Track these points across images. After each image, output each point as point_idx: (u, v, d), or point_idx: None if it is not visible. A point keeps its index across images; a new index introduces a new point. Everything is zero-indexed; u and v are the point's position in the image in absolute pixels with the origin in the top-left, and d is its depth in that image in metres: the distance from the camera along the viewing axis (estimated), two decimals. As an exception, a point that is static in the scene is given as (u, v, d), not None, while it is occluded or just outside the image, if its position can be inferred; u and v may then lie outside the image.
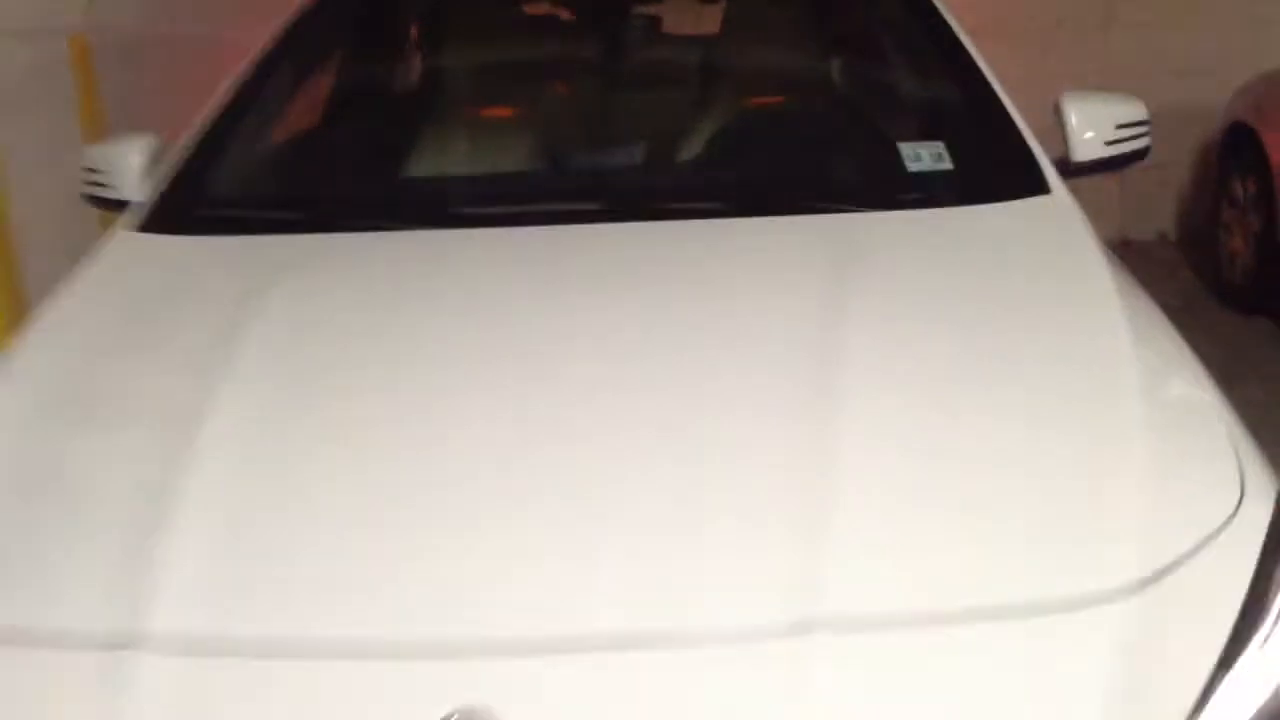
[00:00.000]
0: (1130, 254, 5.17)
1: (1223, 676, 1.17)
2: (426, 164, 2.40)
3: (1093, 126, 2.30)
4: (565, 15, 2.91)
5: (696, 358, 1.55)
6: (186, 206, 2.16)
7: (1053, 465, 1.36)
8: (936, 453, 1.37)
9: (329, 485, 1.37)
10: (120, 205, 2.36)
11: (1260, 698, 1.17)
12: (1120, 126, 2.31)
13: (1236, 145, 4.83)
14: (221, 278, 1.89)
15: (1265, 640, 1.20)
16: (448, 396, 1.51)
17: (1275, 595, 1.24)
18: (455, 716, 1.06)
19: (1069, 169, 2.23)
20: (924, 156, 2.13)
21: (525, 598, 1.20)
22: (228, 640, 1.19)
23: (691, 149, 2.35)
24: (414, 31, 2.96)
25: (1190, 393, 1.53)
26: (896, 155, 2.11)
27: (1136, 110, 2.33)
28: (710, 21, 2.94)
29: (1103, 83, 5.25)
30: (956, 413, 1.44)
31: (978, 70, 2.30)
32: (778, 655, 1.12)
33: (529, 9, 2.97)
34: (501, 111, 2.67)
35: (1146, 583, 1.21)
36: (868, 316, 1.60)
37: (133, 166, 2.37)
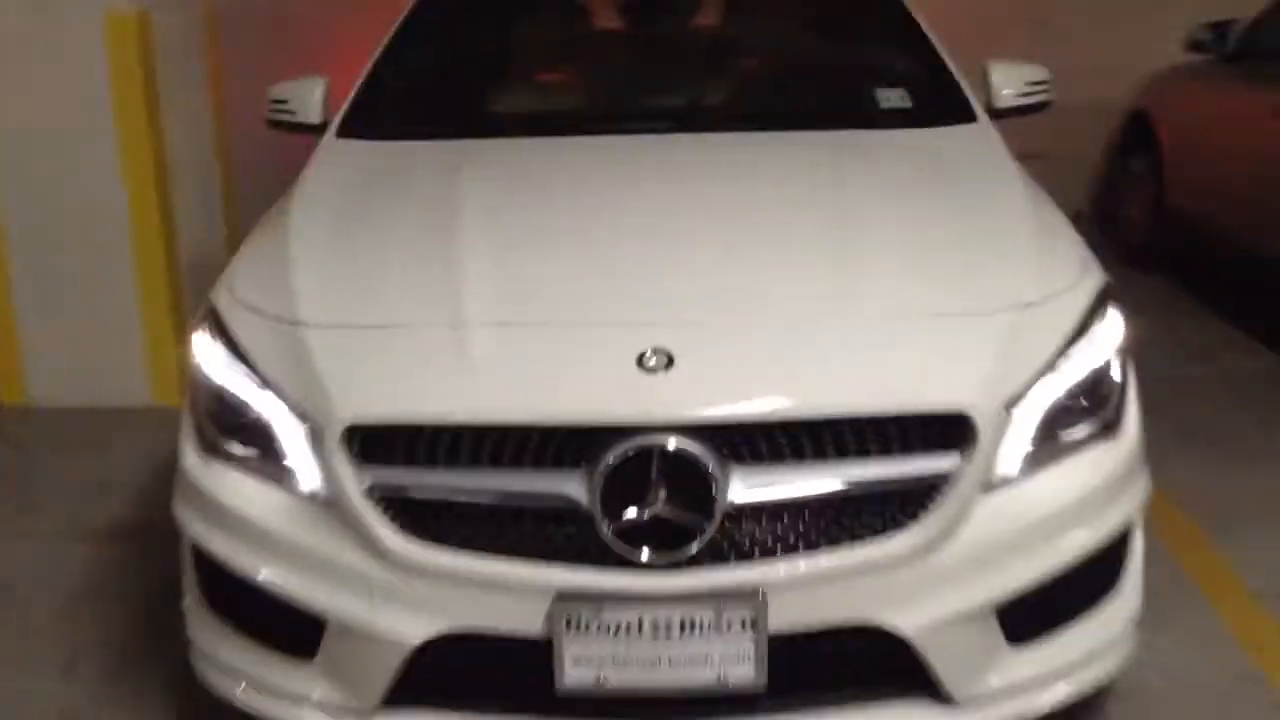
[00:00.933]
0: None
1: (1063, 354, 2.12)
2: (540, 98, 3.35)
3: (1009, 84, 3.27)
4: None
5: (756, 182, 2.66)
6: (373, 121, 3.07)
7: (972, 244, 2.34)
8: (898, 231, 2.38)
9: (547, 236, 2.45)
10: (301, 128, 3.26)
11: (1079, 375, 2.13)
12: (1029, 84, 3.28)
13: (1134, 130, 5.86)
14: (433, 150, 2.85)
15: (1086, 343, 2.15)
16: (602, 192, 2.67)
17: (1094, 323, 2.19)
18: (650, 349, 1.97)
19: (992, 113, 3.20)
20: (893, 98, 3.13)
21: (678, 287, 2.18)
22: (519, 321, 2.12)
23: (729, 90, 3.37)
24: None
25: (1053, 216, 2.52)
26: (874, 94, 3.10)
27: (1041, 72, 3.31)
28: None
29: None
30: (914, 213, 2.48)
31: (932, 45, 3.29)
32: (805, 322, 2.09)
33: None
34: (591, 58, 3.62)
35: (1021, 307, 2.15)
36: (858, 173, 2.66)
37: (315, 98, 3.26)
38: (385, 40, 3.40)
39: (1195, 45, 5.15)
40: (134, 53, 4.03)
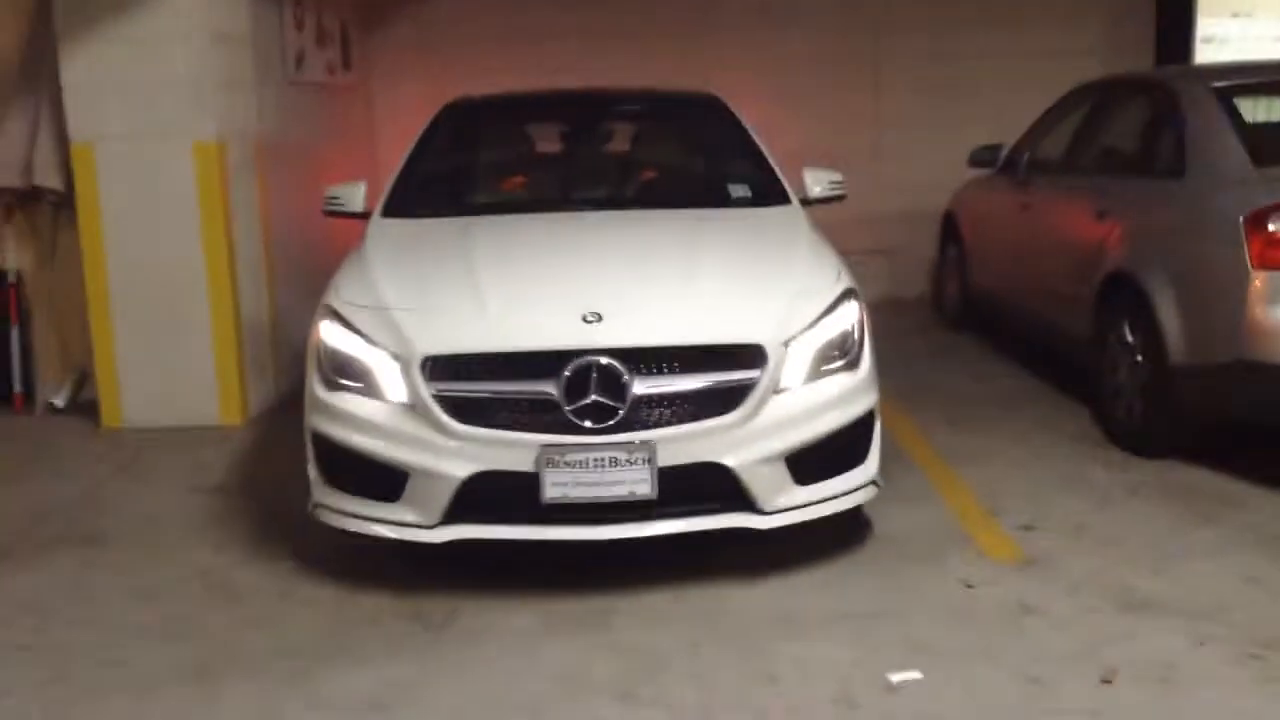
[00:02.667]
0: (897, 306, 8.17)
1: (819, 320, 3.83)
2: (514, 193, 5.11)
3: (817, 183, 5.06)
4: (565, 129, 5.66)
5: (640, 229, 4.42)
6: (404, 206, 4.75)
7: (772, 263, 4.10)
8: (729, 254, 4.17)
9: (526, 258, 4.17)
10: (351, 215, 4.93)
11: (830, 334, 3.84)
12: (830, 182, 5.07)
13: (947, 228, 7.76)
14: (448, 222, 4.53)
15: (835, 316, 3.87)
16: (558, 236, 4.43)
17: (841, 305, 3.91)
18: (589, 312, 3.64)
19: (805, 200, 4.97)
20: (738, 190, 4.91)
21: (604, 283, 3.88)
22: (514, 298, 3.82)
23: (635, 187, 5.13)
24: (492, 132, 5.64)
25: (826, 251, 4.26)
26: (727, 189, 4.90)
27: (837, 175, 5.09)
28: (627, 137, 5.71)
29: (877, 192, 8.29)
30: (741, 246, 4.27)
31: (764, 157, 5.07)
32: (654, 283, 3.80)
33: (543, 129, 5.72)
34: (546, 170, 5.40)
35: (795, 293, 3.87)
36: (710, 227, 4.45)
37: (357, 194, 4.95)
38: (403, 160, 5.10)
39: (975, 162, 7.04)
40: (214, 169, 5.67)
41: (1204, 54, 8.70)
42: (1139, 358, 4.84)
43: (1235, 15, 9.11)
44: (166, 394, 5.79)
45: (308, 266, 6.31)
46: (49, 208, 6.12)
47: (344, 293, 4.00)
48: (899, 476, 4.61)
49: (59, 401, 6.22)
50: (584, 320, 3.63)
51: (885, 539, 4.11)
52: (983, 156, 6.94)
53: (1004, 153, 6.81)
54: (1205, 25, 8.91)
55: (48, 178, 5.82)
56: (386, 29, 8.74)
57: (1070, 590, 3.66)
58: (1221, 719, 2.94)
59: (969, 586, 3.71)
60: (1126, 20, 8.78)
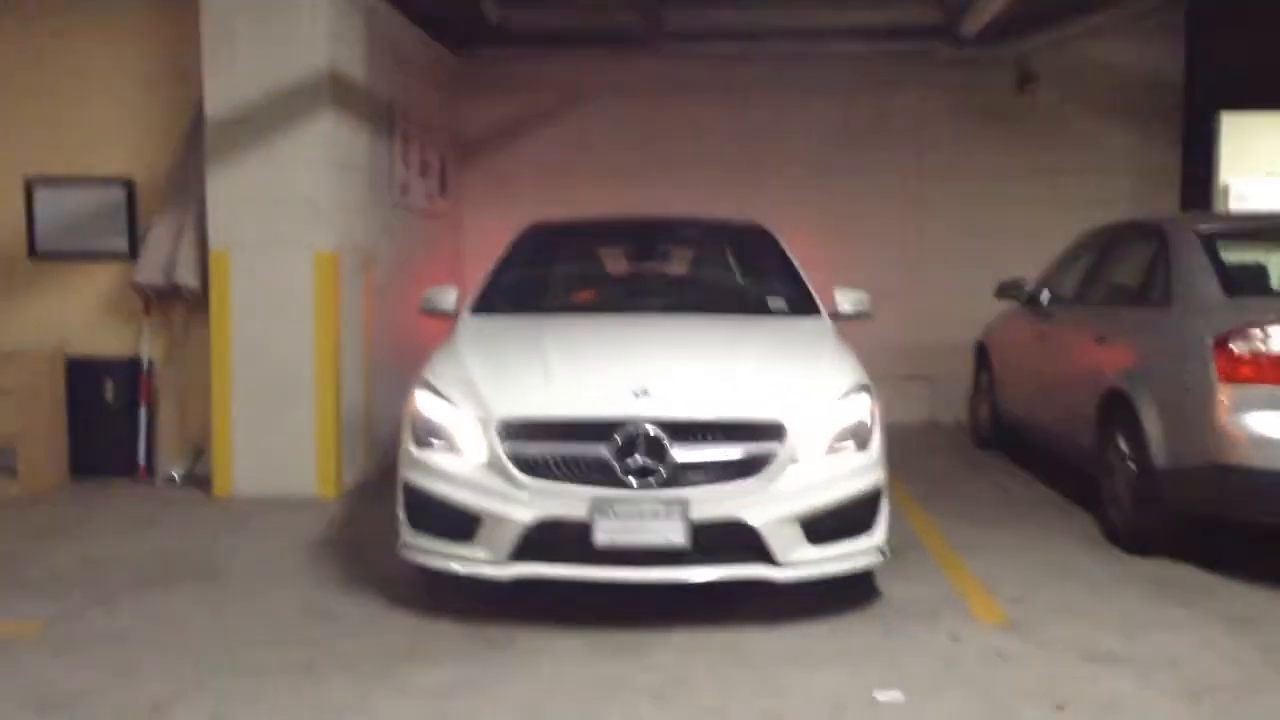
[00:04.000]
0: (934, 429, 8.82)
1: (834, 406, 4.55)
2: (583, 298, 5.94)
3: (847, 301, 5.81)
4: (629, 249, 6.54)
5: (686, 326, 5.27)
6: (489, 306, 5.59)
7: (799, 359, 4.84)
8: (763, 351, 4.93)
9: (589, 345, 4.98)
10: (442, 314, 5.78)
11: (845, 421, 4.55)
12: (857, 301, 5.82)
13: (979, 356, 8.44)
14: (525, 318, 5.35)
15: (847, 404, 4.58)
16: (618, 329, 5.27)
17: (854, 396, 4.63)
18: (640, 387, 4.39)
19: (835, 315, 5.72)
20: (776, 303, 5.70)
21: (653, 365, 4.65)
22: (577, 374, 4.62)
23: (685, 296, 5.97)
24: (567, 250, 6.52)
25: (845, 355, 4.98)
26: (766, 301, 5.68)
27: (865, 295, 5.84)
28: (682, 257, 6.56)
29: (919, 323, 9.06)
30: (773, 346, 5.02)
31: (800, 276, 5.86)
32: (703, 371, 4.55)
33: (610, 248, 6.59)
34: (611, 281, 6.25)
35: (815, 385, 4.60)
36: (748, 328, 5.25)
37: (450, 296, 5.80)
38: (490, 270, 5.96)
39: (1000, 293, 7.75)
40: (329, 275, 6.59)
41: (1234, 208, 9.37)
42: (1130, 464, 5.44)
43: (1269, 174, 9.84)
44: (272, 468, 6.60)
45: (400, 365, 7.16)
46: (183, 306, 7.09)
47: (436, 369, 4.81)
48: (911, 559, 5.24)
49: (177, 474, 7.07)
50: (634, 395, 4.38)
51: (890, 603, 4.71)
52: (1007, 289, 7.65)
53: (1027, 287, 7.52)
54: (1237, 183, 9.63)
55: (186, 278, 6.78)
56: (477, 163, 9.80)
57: (1043, 645, 4.23)
58: (1152, 738, 3.49)
59: (955, 639, 4.30)
60: (1154, 175, 9.53)
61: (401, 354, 7.43)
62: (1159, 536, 5.36)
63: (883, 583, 4.88)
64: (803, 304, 5.68)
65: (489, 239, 7.59)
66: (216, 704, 3.68)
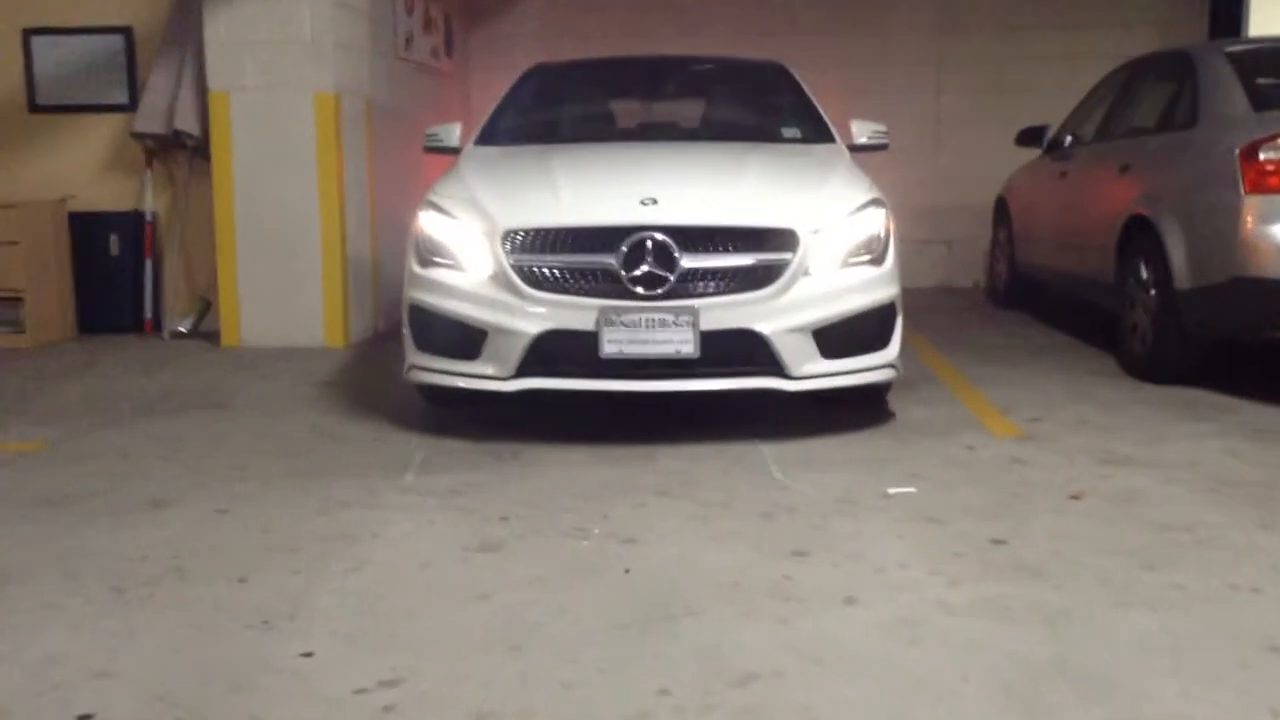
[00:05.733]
0: (952, 291, 8.69)
1: (848, 218, 4.42)
2: (594, 130, 5.80)
3: (863, 132, 5.64)
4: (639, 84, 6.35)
5: (697, 148, 5.19)
6: (494, 139, 5.45)
7: (813, 175, 4.71)
8: (774, 167, 4.76)
9: (599, 163, 4.83)
10: (447, 150, 5.63)
11: (859, 236, 4.42)
12: (874, 132, 5.65)
13: (998, 212, 8.27)
14: (532, 148, 5.21)
15: (862, 217, 4.46)
16: (624, 152, 5.06)
17: (868, 209, 4.49)
18: (646, 196, 4.27)
19: (853, 147, 5.55)
20: (789, 132, 5.54)
21: (661, 175, 4.54)
22: (585, 184, 4.52)
23: (698, 125, 5.83)
24: (573, 88, 6.34)
25: (858, 172, 4.84)
26: (780, 131, 5.54)
27: (881, 126, 5.67)
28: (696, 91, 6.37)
29: (937, 186, 8.86)
30: (777, 166, 4.86)
31: (818, 111, 5.68)
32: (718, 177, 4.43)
33: (620, 83, 6.40)
34: (620, 113, 6.07)
35: (828, 196, 4.47)
36: (758, 150, 5.05)
37: (454, 132, 5.65)
38: (493, 108, 5.80)
39: (1021, 140, 7.54)
40: (330, 118, 6.45)
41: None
42: (1151, 291, 5.31)
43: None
44: (280, 320, 6.54)
45: (405, 219, 7.01)
46: (185, 156, 6.97)
47: (440, 189, 4.69)
48: (926, 390, 5.16)
49: (184, 328, 7.01)
50: (641, 203, 4.26)
51: (905, 423, 4.63)
52: (1028, 136, 7.45)
53: (1049, 134, 7.32)
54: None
55: (187, 124, 6.65)
56: (485, 25, 9.57)
57: (1059, 452, 4.15)
58: (1171, 518, 3.40)
59: (970, 448, 4.23)
60: (1178, 29, 9.24)
61: (408, 210, 7.27)
62: (1180, 364, 5.24)
63: (897, 407, 4.80)
64: (819, 134, 5.52)
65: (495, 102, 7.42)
66: (219, 502, 3.64)
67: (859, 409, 4.70)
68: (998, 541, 3.19)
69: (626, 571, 2.99)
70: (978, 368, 5.78)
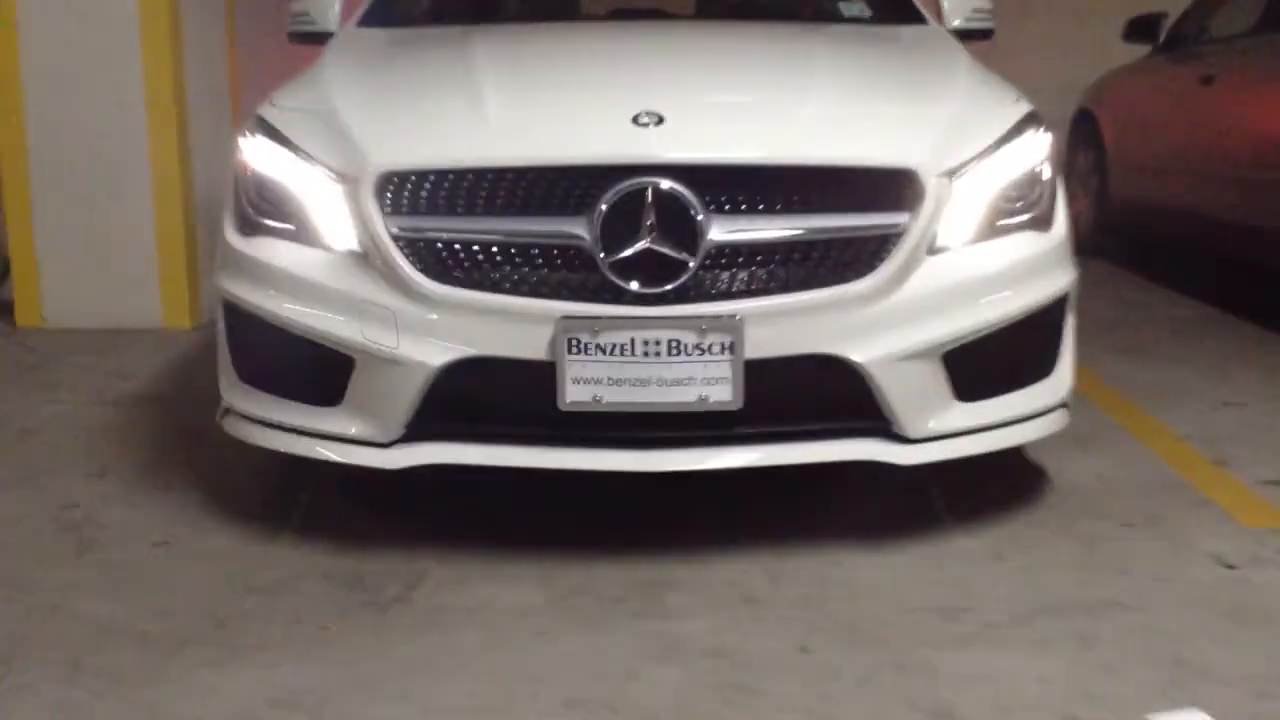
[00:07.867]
0: None
1: (997, 149, 2.46)
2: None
3: (959, 10, 3.66)
4: None
5: (716, 31, 3.27)
6: (387, 17, 3.42)
7: (918, 74, 2.75)
8: (834, 65, 2.76)
9: (556, 54, 2.81)
10: (319, 38, 3.59)
11: (1013, 173, 2.47)
12: (975, 10, 3.67)
13: (1080, 130, 6.31)
14: (443, 30, 3.19)
15: (1018, 144, 2.50)
16: (593, 35, 3.11)
17: (1026, 132, 2.54)
18: (643, 111, 2.29)
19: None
20: (853, 9, 3.58)
21: (667, 73, 2.58)
22: (527, 86, 2.56)
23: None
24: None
25: (988, 72, 2.87)
26: (839, 8, 3.56)
27: (985, 3, 3.70)
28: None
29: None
30: (855, 57, 2.89)
31: None
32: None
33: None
34: None
35: (959, 110, 2.51)
36: (816, 33, 3.13)
37: (334, 10, 3.60)
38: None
39: (1131, 33, 5.60)
40: (160, -6, 4.38)
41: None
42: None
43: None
44: (97, 290, 4.53)
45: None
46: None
47: (282, 98, 2.69)
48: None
49: (-28, 297, 4.98)
50: (635, 122, 2.30)
51: (1072, 492, 2.75)
52: (1139, 27, 5.49)
53: (1168, 25, 5.37)
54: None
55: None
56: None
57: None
58: None
59: (1226, 565, 2.36)
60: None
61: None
62: None
63: (1043, 447, 2.90)
64: (902, 11, 3.53)
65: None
66: None
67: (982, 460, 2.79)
68: None
69: None
70: (1116, 363, 3.91)
